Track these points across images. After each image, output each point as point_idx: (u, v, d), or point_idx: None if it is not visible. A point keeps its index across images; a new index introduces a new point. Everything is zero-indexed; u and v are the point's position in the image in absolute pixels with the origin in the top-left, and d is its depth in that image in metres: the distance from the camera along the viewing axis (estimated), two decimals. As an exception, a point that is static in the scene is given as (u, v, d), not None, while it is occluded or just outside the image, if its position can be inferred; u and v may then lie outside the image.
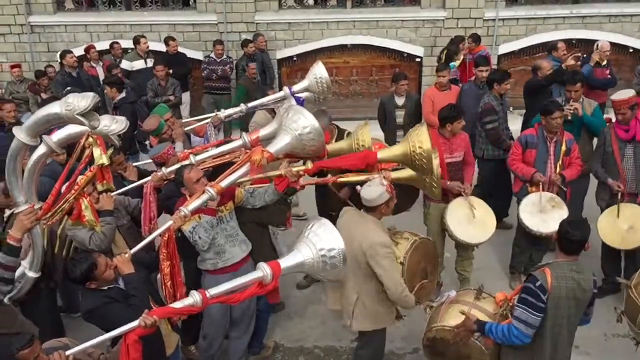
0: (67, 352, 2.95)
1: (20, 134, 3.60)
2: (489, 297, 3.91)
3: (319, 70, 4.74)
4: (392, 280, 3.98)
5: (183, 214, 3.82)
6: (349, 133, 5.27)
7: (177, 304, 3.09)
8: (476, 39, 9.62)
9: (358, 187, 4.15)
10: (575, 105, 5.88)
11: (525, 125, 7.51)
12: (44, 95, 9.25)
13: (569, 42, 10.48)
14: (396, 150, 4.31)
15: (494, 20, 10.89)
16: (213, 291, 3.04)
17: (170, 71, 9.25)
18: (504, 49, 11.09)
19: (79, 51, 10.55)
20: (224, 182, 4.01)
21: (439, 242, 5.64)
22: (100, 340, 3.02)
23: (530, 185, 5.56)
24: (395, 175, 4.41)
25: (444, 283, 5.85)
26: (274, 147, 4.05)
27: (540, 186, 5.48)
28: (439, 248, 5.63)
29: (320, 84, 4.74)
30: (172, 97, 8.81)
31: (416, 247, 4.23)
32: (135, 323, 3.01)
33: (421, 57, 11.04)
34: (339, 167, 4.45)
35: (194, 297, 3.00)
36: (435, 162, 4.23)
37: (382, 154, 4.34)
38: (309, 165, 4.34)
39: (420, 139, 4.07)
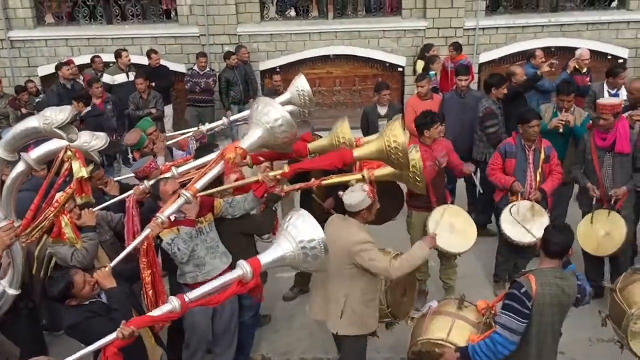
0: None
1: None
2: (471, 306, 3.90)
3: (300, 83, 4.73)
4: (384, 269, 4.00)
5: (160, 220, 3.75)
6: None
7: (156, 312, 3.04)
8: (457, 47, 9.73)
9: (341, 193, 4.15)
10: (569, 118, 5.94)
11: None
12: (24, 111, 9.18)
13: (548, 50, 10.63)
14: (372, 147, 4.27)
15: (474, 29, 11.01)
16: (192, 295, 3.00)
17: (153, 84, 9.23)
18: (485, 57, 11.21)
19: (59, 66, 10.50)
20: (199, 184, 3.95)
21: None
22: (79, 356, 2.96)
23: (511, 195, 5.60)
24: (378, 173, 4.39)
25: (430, 292, 5.89)
26: (246, 143, 3.99)
27: (519, 196, 5.53)
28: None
29: (302, 96, 4.73)
30: (154, 110, 8.77)
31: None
32: (113, 335, 2.96)
33: (403, 67, 11.13)
34: (317, 169, 4.44)
35: (173, 303, 2.95)
36: (417, 155, 4.22)
37: (358, 152, 4.31)
38: (286, 169, 4.30)
39: (394, 133, 4.05)
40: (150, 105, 8.85)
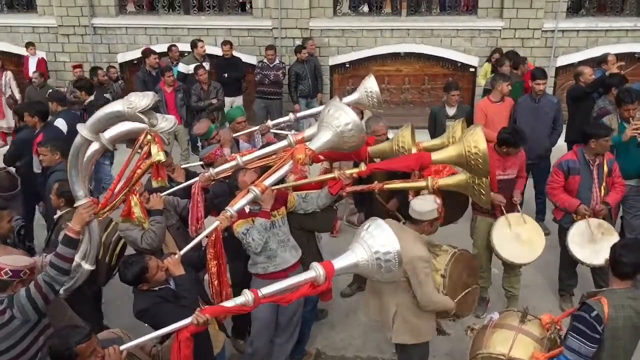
0: (122, 347, 3.00)
1: (83, 130, 3.72)
2: (534, 320, 3.73)
3: (370, 84, 4.73)
4: (426, 295, 3.92)
5: (229, 214, 3.85)
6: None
7: (229, 303, 3.09)
8: (511, 56, 9.34)
9: (411, 197, 4.09)
10: None
11: (569, 133, 7.29)
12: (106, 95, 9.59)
13: (631, 56, 10.16)
14: (451, 151, 4.24)
15: (552, 31, 10.61)
16: (265, 290, 3.04)
17: (225, 75, 9.42)
18: (563, 61, 10.80)
19: (137, 53, 10.89)
20: (268, 181, 4.04)
21: (485, 257, 5.52)
22: (154, 336, 3.08)
23: (575, 215, 5.32)
24: (443, 182, 4.34)
25: (491, 299, 5.76)
26: (315, 144, 4.05)
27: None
28: (485, 263, 5.53)
29: (370, 97, 4.73)
30: (214, 101, 8.96)
31: (456, 259, 4.16)
32: (187, 320, 3.04)
33: (475, 67, 10.87)
34: (393, 169, 4.44)
35: (246, 296, 3.00)
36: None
37: (436, 156, 4.29)
38: (363, 167, 4.36)
39: (475, 139, 4.01)
40: (211, 95, 9.01)
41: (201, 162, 5.43)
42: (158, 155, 3.90)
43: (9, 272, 3.48)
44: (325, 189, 4.42)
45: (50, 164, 5.56)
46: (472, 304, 4.37)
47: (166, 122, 4.25)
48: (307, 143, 4.09)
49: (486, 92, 8.47)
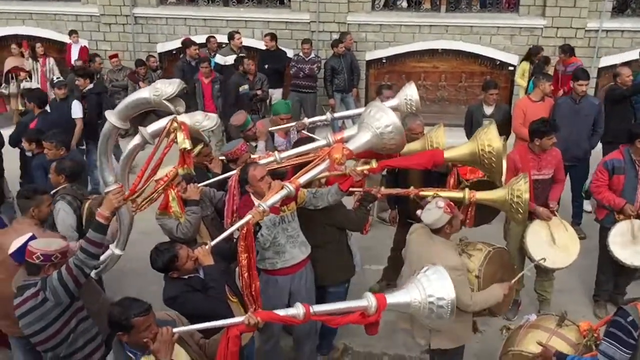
0: (175, 330, 3.04)
1: (111, 117, 3.79)
2: (572, 325, 3.68)
3: (410, 91, 4.71)
4: (462, 302, 3.82)
5: (262, 208, 3.83)
6: None
7: (281, 312, 3.14)
8: (567, 50, 9.13)
9: (419, 212, 4.04)
10: None
11: (604, 135, 7.11)
12: (142, 84, 9.73)
13: (679, 59, 9.83)
14: (464, 149, 4.21)
15: (596, 31, 10.33)
16: (317, 308, 3.08)
17: (266, 66, 9.54)
18: (606, 61, 10.51)
19: (176, 43, 11.02)
20: (303, 179, 4.03)
21: (518, 260, 5.43)
22: (206, 326, 3.13)
23: (618, 214, 5.25)
24: (480, 196, 4.29)
25: (523, 303, 5.68)
26: (354, 145, 4.05)
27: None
28: (517, 265, 5.43)
29: (409, 105, 4.70)
30: (259, 92, 8.99)
31: (491, 258, 4.09)
32: (240, 319, 3.09)
33: (514, 66, 10.66)
34: (406, 166, 4.43)
35: (298, 309, 3.05)
36: (525, 186, 4.07)
37: (449, 154, 4.25)
38: (374, 164, 4.31)
39: (489, 137, 3.99)
40: (256, 86, 9.04)
41: (223, 158, 5.31)
42: (184, 143, 3.94)
43: (40, 256, 3.60)
44: (335, 185, 4.37)
45: (55, 158, 5.56)
46: (508, 302, 4.31)
47: (209, 120, 4.31)
48: (345, 143, 4.08)
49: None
